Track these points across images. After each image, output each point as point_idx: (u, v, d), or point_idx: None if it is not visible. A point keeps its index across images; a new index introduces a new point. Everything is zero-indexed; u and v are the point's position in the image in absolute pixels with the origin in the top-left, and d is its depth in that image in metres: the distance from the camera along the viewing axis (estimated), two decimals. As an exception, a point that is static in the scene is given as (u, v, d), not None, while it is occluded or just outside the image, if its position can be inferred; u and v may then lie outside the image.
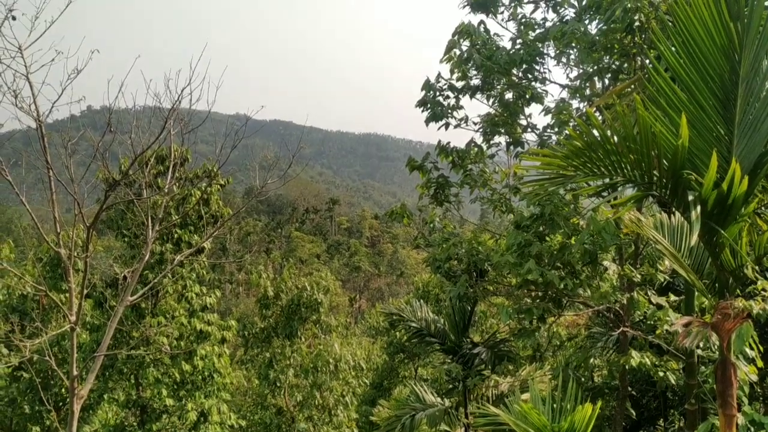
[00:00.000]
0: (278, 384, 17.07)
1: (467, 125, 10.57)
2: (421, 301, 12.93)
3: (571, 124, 8.69)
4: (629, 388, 9.76)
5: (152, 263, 13.56)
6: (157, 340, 13.46)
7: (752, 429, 7.22)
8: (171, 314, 14.23)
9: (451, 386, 11.53)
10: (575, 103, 9.19)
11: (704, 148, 4.73)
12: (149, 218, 8.03)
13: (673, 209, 5.14)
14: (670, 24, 4.86)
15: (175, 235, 14.07)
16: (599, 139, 4.50)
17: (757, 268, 8.49)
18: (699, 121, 4.88)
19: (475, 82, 10.35)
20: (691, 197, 4.82)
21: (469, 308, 11.17)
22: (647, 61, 5.10)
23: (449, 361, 11.18)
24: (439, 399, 11.56)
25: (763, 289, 8.36)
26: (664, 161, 4.61)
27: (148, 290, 9.97)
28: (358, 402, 19.17)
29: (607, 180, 5.08)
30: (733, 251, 4.71)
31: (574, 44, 8.83)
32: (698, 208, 4.60)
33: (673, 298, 9.34)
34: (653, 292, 9.19)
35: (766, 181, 7.86)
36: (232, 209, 14.76)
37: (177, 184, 12.74)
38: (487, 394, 10.91)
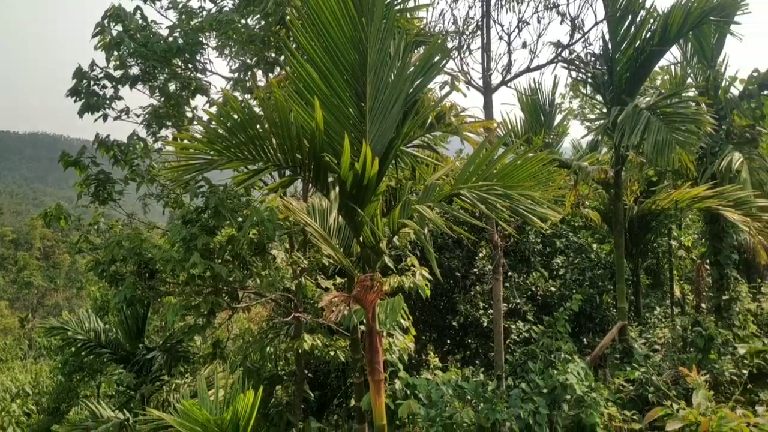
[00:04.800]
0: None
1: (129, 117, 9.86)
2: (90, 311, 11.81)
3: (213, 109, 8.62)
4: (306, 372, 10.14)
5: None
6: None
7: (408, 391, 8.02)
8: None
9: (126, 398, 10.75)
10: (238, 95, 9.16)
11: (343, 134, 4.99)
12: None
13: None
14: (306, 17, 5.03)
15: None
16: (239, 122, 4.47)
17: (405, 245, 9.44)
18: (337, 109, 5.15)
19: (135, 71, 9.71)
20: (332, 179, 5.09)
21: (143, 312, 10.51)
22: (290, 54, 5.23)
23: (121, 370, 10.41)
24: (118, 413, 10.72)
25: (413, 265, 9.38)
26: (306, 144, 4.77)
27: None
28: (27, 432, 16.89)
29: (258, 165, 5.11)
30: (371, 229, 5.08)
31: (233, 35, 8.79)
32: (337, 188, 4.87)
33: (339, 280, 9.94)
34: (323, 276, 9.65)
35: (411, 173, 8.80)
36: None
37: None
38: (169, 399, 10.42)
